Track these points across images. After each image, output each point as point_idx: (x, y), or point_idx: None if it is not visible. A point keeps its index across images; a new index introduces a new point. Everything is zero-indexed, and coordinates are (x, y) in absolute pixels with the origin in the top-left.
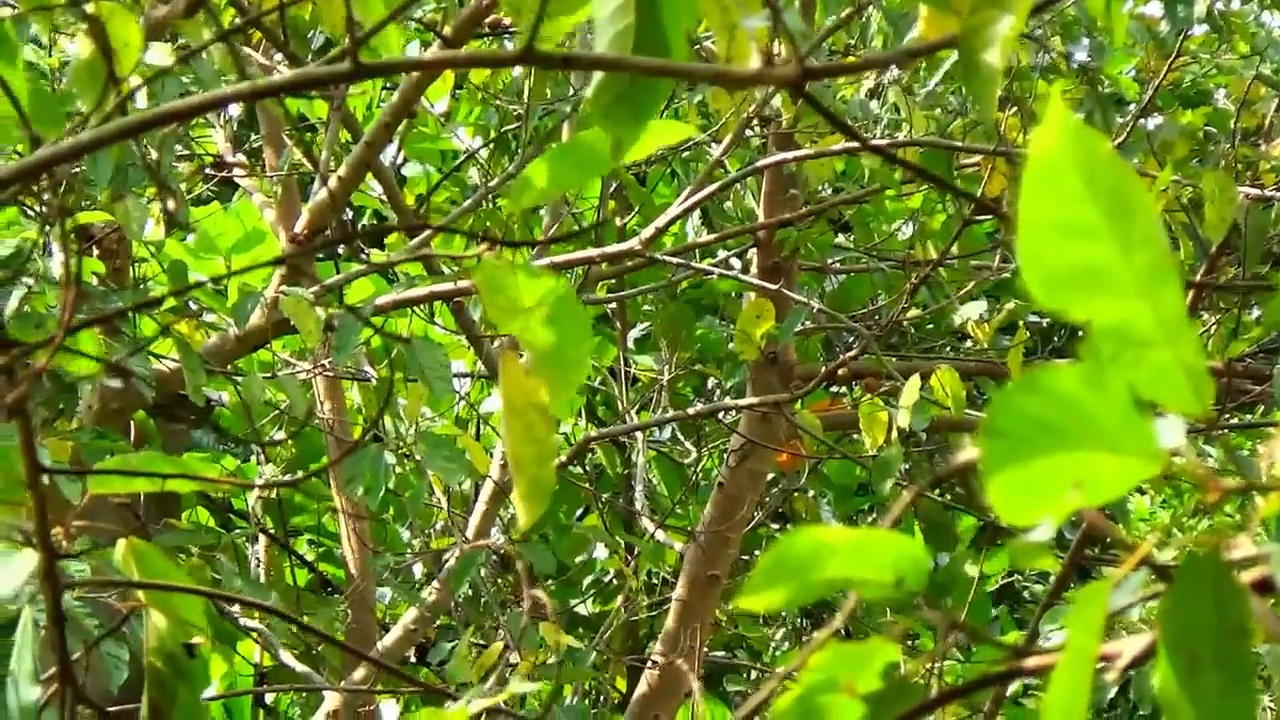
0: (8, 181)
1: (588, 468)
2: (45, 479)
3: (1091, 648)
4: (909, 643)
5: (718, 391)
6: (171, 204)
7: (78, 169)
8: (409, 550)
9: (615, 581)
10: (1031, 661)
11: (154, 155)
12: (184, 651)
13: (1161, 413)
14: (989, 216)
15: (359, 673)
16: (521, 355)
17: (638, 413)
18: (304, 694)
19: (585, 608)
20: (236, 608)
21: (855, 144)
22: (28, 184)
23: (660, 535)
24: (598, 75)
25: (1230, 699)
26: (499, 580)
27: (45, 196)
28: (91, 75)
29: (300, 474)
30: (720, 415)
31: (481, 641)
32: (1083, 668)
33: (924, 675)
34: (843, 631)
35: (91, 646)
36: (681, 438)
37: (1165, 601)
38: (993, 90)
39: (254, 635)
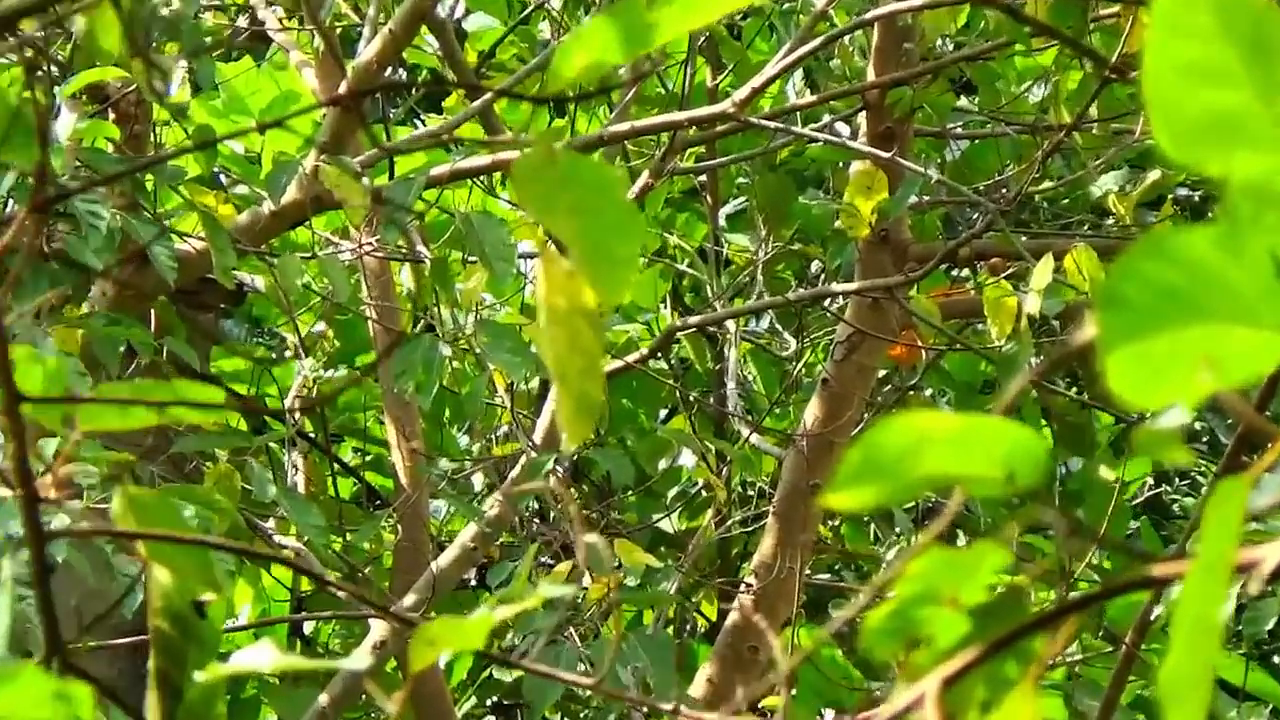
0: None
1: (673, 362)
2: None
3: (1227, 553)
4: (1034, 559)
5: (822, 275)
6: (159, 83)
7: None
8: (467, 457)
9: (704, 493)
10: (1159, 569)
11: (174, 5)
12: (193, 611)
13: None
14: (1130, 75)
15: (409, 598)
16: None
17: (730, 299)
18: (347, 622)
19: (670, 523)
20: (271, 522)
21: None
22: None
23: (756, 440)
24: None
25: None
26: (571, 491)
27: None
28: None
29: (344, 370)
30: (825, 302)
31: (549, 560)
32: (1217, 576)
33: (1057, 592)
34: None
35: (94, 623)
36: (780, 328)
37: None
38: None
39: (290, 556)
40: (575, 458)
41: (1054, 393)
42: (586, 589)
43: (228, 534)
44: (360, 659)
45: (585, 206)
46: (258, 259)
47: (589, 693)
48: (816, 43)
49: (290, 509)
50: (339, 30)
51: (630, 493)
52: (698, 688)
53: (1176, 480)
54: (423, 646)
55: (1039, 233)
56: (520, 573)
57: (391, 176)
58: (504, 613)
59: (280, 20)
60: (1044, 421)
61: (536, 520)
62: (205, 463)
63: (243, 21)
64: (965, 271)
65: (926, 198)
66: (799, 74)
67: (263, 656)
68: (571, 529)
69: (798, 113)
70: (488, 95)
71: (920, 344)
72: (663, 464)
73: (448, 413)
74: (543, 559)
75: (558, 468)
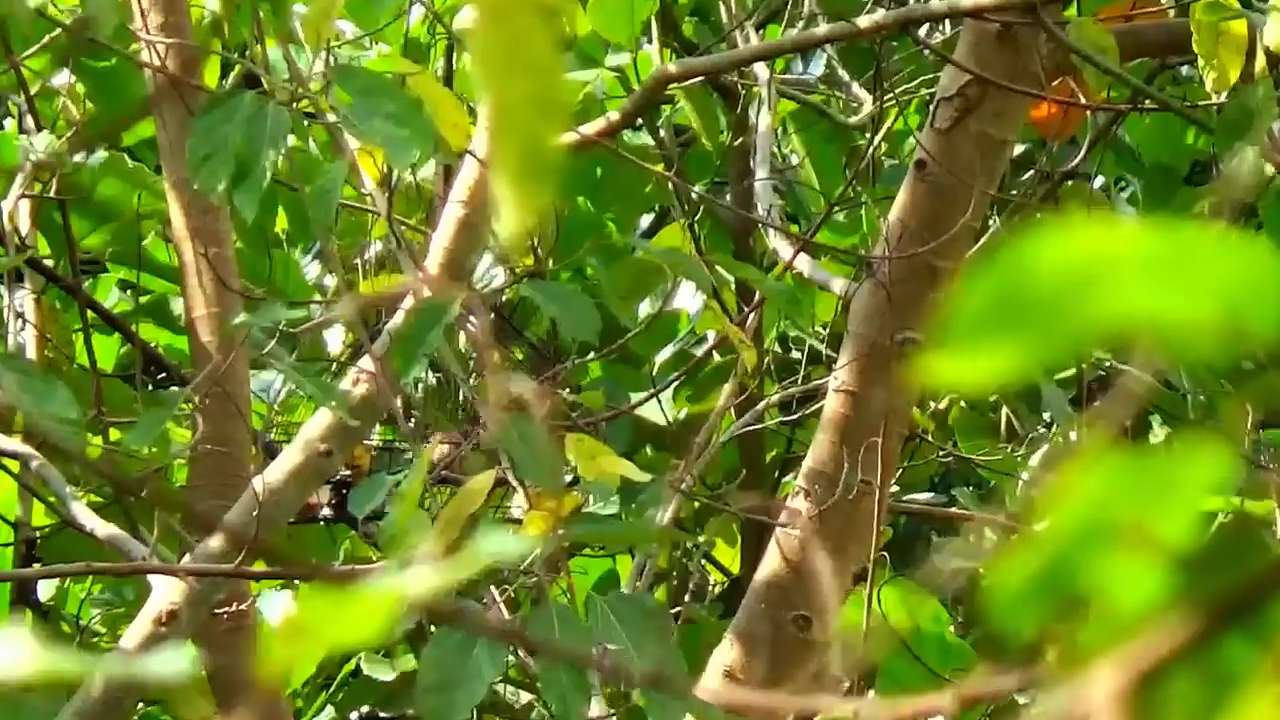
0: None
1: (662, 135)
2: None
3: None
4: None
5: None
6: None
7: None
8: (316, 299)
9: (715, 356)
10: None
11: None
12: None
13: None
14: None
15: (216, 539)
16: None
17: (759, 28)
18: (111, 580)
19: (660, 408)
20: None
21: None
22: None
23: (804, 265)
24: None
25: None
26: (489, 355)
27: None
28: None
29: (104, 153)
30: (919, 29)
31: (454, 475)
32: None
33: None
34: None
35: None
36: (844, 75)
37: None
38: None
39: (10, 466)
40: (500, 298)
41: None
42: (519, 520)
43: None
44: (170, 659)
45: None
46: None
47: (523, 694)
48: None
49: (17, 388)
50: None
51: (593, 356)
52: (711, 682)
53: None
54: (285, 642)
55: None
56: (407, 492)
57: None
58: (423, 583)
59: None
60: None
61: (434, 404)
62: None
63: None
64: None
65: None
66: None
67: (9, 655)
68: (491, 410)
69: None
70: None
71: (1083, 100)
72: (646, 307)
73: (283, 223)
74: (444, 469)
75: (469, 312)
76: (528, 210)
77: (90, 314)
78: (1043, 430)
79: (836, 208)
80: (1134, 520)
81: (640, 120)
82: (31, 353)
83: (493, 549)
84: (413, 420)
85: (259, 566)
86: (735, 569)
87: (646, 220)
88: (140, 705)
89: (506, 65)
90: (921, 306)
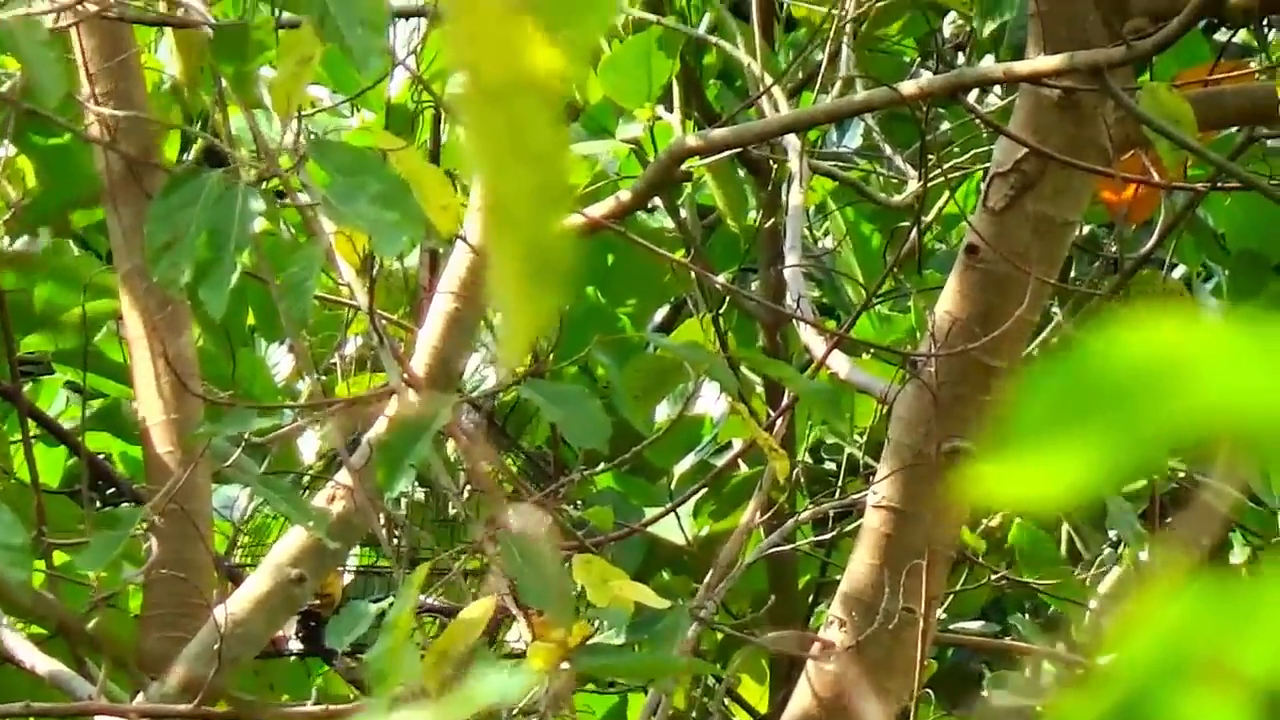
0: None
1: (682, 215)
2: None
3: None
4: None
5: (965, 44)
6: None
7: None
8: (286, 403)
9: (740, 466)
10: None
11: None
12: None
13: None
14: None
15: (174, 675)
16: None
17: (793, 96)
18: None
19: (679, 525)
20: None
21: None
22: None
23: (839, 364)
24: None
25: None
26: (482, 468)
27: None
28: None
29: (47, 237)
30: (970, 96)
31: (444, 604)
32: None
33: None
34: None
35: None
36: (886, 149)
37: None
38: None
39: None
40: (493, 402)
41: None
42: (522, 653)
43: None
44: None
45: None
46: None
47: None
48: None
49: None
50: None
51: (603, 466)
52: None
53: None
54: None
55: None
56: (395, 621)
57: None
58: None
59: None
60: None
61: (421, 523)
62: None
63: None
64: (1241, 36)
65: None
66: None
67: None
68: (487, 528)
69: None
70: None
71: (1157, 177)
72: (663, 411)
73: (250, 318)
74: (430, 597)
75: (464, 416)
76: (532, 319)
77: (32, 423)
78: (1109, 551)
79: (877, 298)
80: (1214, 653)
81: (657, 200)
82: None
83: (492, 687)
84: (397, 541)
85: (221, 708)
86: (763, 708)
87: (663, 313)
88: None
89: (506, 153)
90: (972, 411)
